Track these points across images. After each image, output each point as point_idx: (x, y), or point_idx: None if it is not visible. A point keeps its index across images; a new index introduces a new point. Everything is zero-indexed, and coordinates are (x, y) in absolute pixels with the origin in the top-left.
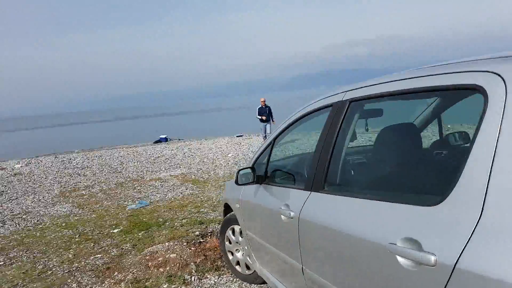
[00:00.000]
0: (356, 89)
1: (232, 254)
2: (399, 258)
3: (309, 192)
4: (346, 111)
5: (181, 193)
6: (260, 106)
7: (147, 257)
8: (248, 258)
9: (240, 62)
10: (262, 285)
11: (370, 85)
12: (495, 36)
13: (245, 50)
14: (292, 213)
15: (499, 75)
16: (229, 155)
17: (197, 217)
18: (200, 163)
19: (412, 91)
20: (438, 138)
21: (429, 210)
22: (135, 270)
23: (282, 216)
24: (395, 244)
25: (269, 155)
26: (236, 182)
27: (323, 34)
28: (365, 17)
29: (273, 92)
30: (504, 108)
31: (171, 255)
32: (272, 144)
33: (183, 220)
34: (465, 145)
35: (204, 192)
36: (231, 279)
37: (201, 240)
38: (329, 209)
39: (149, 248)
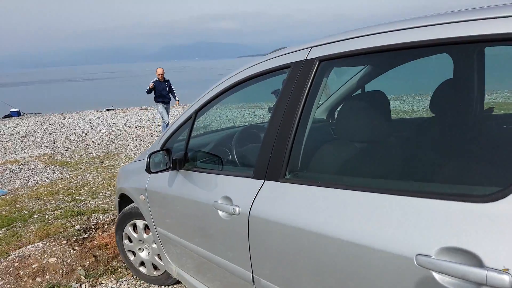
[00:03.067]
0: (327, 43)
1: (134, 254)
2: (439, 278)
3: (262, 181)
4: (314, 73)
5: (48, 177)
6: (156, 79)
7: (16, 264)
8: (156, 258)
9: (99, 26)
10: (175, 285)
11: (348, 38)
12: (354, 17)
13: (104, 12)
14: (237, 209)
15: None
16: (102, 131)
17: (74, 206)
18: (67, 141)
19: (418, 45)
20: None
21: (484, 208)
22: (0, 284)
23: (220, 212)
24: (430, 256)
25: (190, 132)
26: (148, 170)
27: (190, 4)
28: None
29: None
30: None
31: (49, 260)
32: (193, 118)
33: (56, 212)
34: None
35: (78, 175)
36: (134, 282)
37: (85, 236)
38: (294, 203)
39: (17, 251)
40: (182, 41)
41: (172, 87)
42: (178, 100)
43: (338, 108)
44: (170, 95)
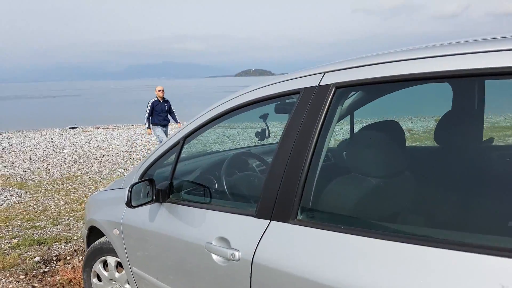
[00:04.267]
0: (343, 69)
1: None
2: None
3: (268, 221)
4: (331, 101)
5: (5, 201)
6: (155, 99)
7: None
8: None
9: (61, 43)
10: None
11: (366, 65)
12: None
13: (66, 28)
14: (237, 254)
15: None
16: (64, 151)
17: (33, 234)
18: (27, 161)
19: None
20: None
21: None
22: None
23: (214, 256)
24: None
25: (176, 160)
26: (129, 204)
27: (157, 24)
28: (196, 14)
29: (105, 80)
30: None
31: None
32: (181, 144)
33: (13, 240)
34: None
35: (38, 199)
36: None
37: (45, 270)
38: (309, 250)
39: None
40: (149, 60)
41: (172, 108)
42: (179, 123)
43: (343, 138)
44: (170, 117)
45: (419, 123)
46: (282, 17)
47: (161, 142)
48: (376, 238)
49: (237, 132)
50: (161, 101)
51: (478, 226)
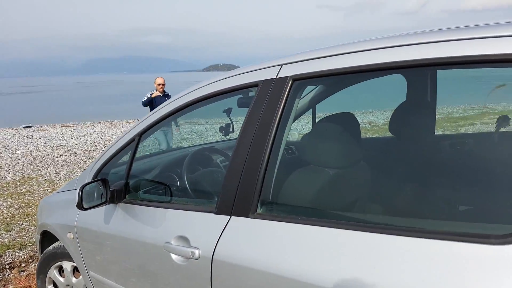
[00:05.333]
0: (300, 61)
1: None
2: None
3: (228, 217)
4: (288, 94)
5: None
6: (155, 91)
7: None
8: None
9: (15, 38)
10: None
11: (321, 57)
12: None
13: (19, 23)
14: (197, 252)
15: None
16: (18, 152)
17: None
18: None
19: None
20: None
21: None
22: None
23: (173, 255)
24: None
25: (132, 158)
26: (80, 206)
27: (119, 18)
28: (161, 6)
29: (62, 76)
30: None
31: None
32: (137, 141)
33: None
34: None
35: None
36: None
37: None
38: (270, 244)
39: None
40: (110, 54)
41: None
42: (178, 125)
43: (302, 130)
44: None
45: (379, 116)
46: (251, 12)
47: (159, 146)
48: (334, 227)
49: (205, 128)
50: (162, 95)
51: (432, 212)
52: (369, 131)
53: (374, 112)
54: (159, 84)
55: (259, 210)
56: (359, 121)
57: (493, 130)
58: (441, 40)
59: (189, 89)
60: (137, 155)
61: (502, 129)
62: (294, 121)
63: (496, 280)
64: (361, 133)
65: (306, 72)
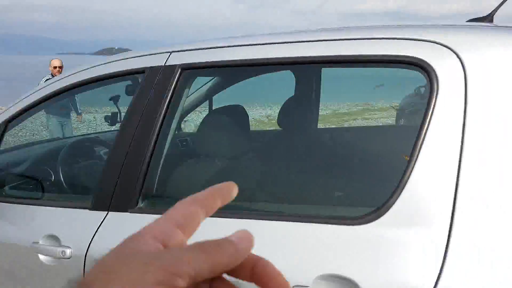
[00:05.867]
0: (190, 50)
1: None
2: None
3: (105, 212)
4: (176, 83)
5: None
6: (50, 76)
7: None
8: None
9: None
10: None
11: (211, 48)
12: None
13: None
14: (68, 251)
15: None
16: None
17: None
18: None
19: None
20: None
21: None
22: None
23: (41, 256)
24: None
25: None
26: None
27: None
28: None
29: None
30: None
31: None
32: (2, 130)
33: None
34: None
35: None
36: None
37: None
38: None
39: None
40: None
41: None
42: (80, 114)
43: (190, 121)
44: (72, 106)
45: (277, 110)
46: None
47: (56, 135)
48: (220, 217)
49: (94, 117)
50: None
51: (312, 198)
52: (267, 125)
53: (272, 107)
54: (55, 67)
55: (140, 205)
56: (258, 114)
57: (370, 125)
58: (325, 39)
59: (67, 73)
60: (3, 146)
61: (376, 124)
62: (187, 112)
63: (356, 256)
64: (259, 126)
65: (196, 61)
